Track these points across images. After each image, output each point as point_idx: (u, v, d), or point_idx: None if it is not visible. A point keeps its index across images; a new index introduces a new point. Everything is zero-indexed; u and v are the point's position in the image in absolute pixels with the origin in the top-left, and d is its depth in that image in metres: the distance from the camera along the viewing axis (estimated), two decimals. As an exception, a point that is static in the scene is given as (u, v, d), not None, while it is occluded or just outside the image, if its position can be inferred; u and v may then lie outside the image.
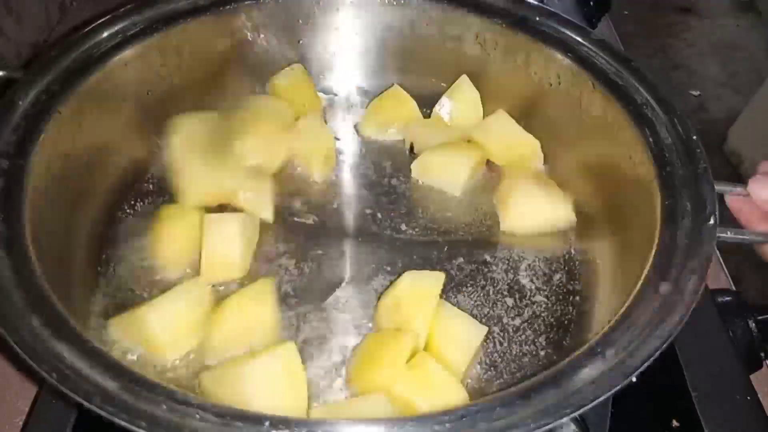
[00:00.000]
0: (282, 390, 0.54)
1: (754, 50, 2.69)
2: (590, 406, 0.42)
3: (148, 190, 0.74)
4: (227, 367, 0.55)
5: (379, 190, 0.76)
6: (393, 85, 0.82)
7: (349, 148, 0.81)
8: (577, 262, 0.69)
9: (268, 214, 0.70)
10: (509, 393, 0.43)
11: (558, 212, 0.71)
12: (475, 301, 0.66)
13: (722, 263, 0.77)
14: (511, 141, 0.77)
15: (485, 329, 0.61)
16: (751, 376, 0.63)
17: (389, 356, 0.56)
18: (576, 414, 0.42)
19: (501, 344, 0.62)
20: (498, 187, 0.75)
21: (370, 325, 0.63)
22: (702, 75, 2.57)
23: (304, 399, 0.55)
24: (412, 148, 0.79)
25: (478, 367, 0.61)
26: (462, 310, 0.63)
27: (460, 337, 0.59)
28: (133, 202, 0.72)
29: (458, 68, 0.80)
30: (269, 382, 0.53)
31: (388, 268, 0.68)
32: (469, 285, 0.67)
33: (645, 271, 0.52)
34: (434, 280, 0.62)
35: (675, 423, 0.59)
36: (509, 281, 0.68)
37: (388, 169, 0.78)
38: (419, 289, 0.61)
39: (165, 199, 0.72)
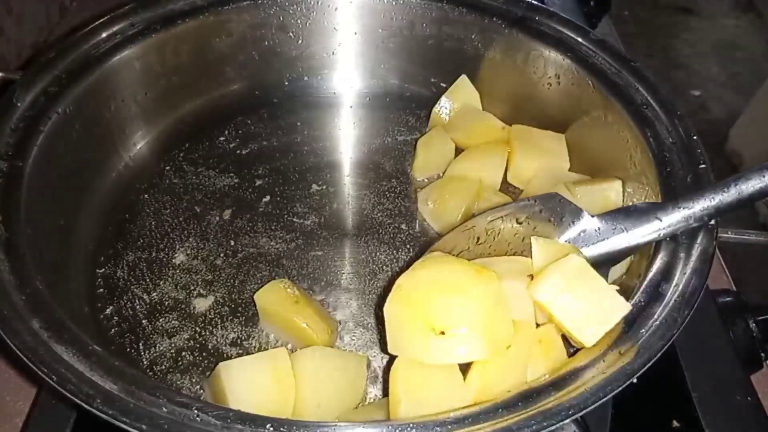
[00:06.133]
0: (269, 394, 0.53)
1: (754, 50, 2.69)
2: (592, 408, 0.42)
3: (147, 190, 0.74)
4: (219, 369, 0.54)
5: (379, 190, 0.75)
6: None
7: (349, 148, 0.81)
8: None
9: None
10: (511, 395, 0.43)
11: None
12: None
13: (723, 263, 0.77)
14: (474, 125, 0.77)
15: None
16: (751, 377, 0.63)
17: None
18: (578, 416, 0.42)
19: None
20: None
21: (371, 324, 0.63)
22: (702, 75, 2.57)
23: (290, 405, 0.53)
24: None
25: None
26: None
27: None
28: (132, 203, 0.72)
29: (458, 68, 0.80)
30: (257, 386, 0.52)
31: (389, 268, 0.68)
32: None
33: (645, 272, 0.52)
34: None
35: (675, 423, 0.59)
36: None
37: (388, 170, 0.78)
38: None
39: (165, 198, 0.73)
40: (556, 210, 0.57)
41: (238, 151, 0.78)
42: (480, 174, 0.72)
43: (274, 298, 0.61)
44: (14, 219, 0.54)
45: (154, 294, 0.64)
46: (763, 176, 0.51)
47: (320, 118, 0.83)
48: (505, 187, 0.75)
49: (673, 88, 2.41)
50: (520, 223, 0.58)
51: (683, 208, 0.52)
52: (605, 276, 0.55)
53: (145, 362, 0.59)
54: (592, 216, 0.56)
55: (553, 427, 0.41)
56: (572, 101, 0.72)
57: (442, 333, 0.47)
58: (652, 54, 2.62)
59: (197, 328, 0.62)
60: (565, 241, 0.56)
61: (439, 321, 0.48)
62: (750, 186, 0.51)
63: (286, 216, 0.72)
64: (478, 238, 0.60)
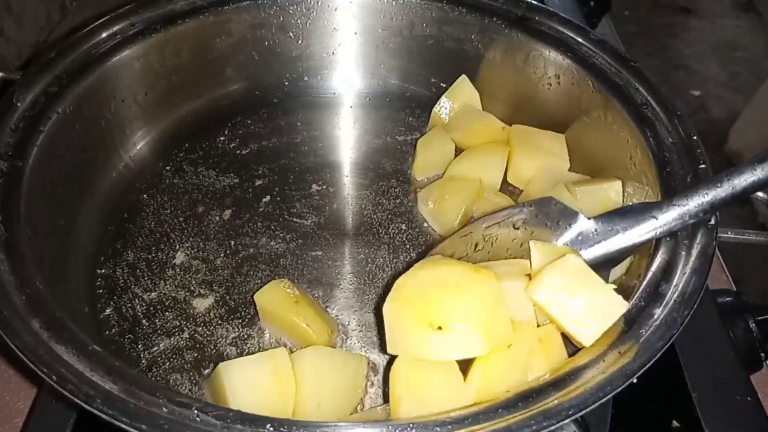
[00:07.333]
0: (269, 394, 0.53)
1: (754, 50, 2.69)
2: (592, 408, 0.42)
3: (147, 190, 0.74)
4: (219, 369, 0.54)
5: (379, 190, 0.75)
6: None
7: (348, 148, 0.81)
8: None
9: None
10: (511, 395, 0.43)
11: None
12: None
13: (722, 263, 0.77)
14: (474, 125, 0.77)
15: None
16: (751, 377, 0.63)
17: None
18: (578, 416, 0.42)
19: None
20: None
21: (371, 325, 0.63)
22: (702, 75, 2.57)
23: (290, 405, 0.53)
24: None
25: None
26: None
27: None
28: (132, 203, 0.72)
29: (458, 68, 0.80)
30: (257, 386, 0.52)
31: (389, 268, 0.68)
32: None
33: (645, 272, 0.52)
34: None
35: (675, 423, 0.59)
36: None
37: (388, 170, 0.78)
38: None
39: (165, 198, 0.73)
40: (552, 214, 0.57)
41: (238, 151, 0.78)
42: (480, 174, 0.72)
43: (274, 298, 0.61)
44: (14, 219, 0.54)
45: (154, 294, 0.64)
46: (755, 170, 0.51)
47: (320, 118, 0.83)
48: (505, 187, 0.75)
49: (673, 88, 2.41)
50: (517, 228, 0.58)
51: (678, 206, 0.53)
52: (605, 278, 0.55)
53: (144, 362, 0.59)
54: (589, 218, 0.56)
55: (553, 427, 0.41)
56: (572, 101, 0.72)
57: (440, 328, 0.47)
58: (652, 54, 2.62)
59: (197, 328, 0.62)
60: (563, 244, 0.56)
61: (437, 317, 0.48)
62: (743, 180, 0.51)
63: (286, 216, 0.72)
64: (476, 245, 0.60)
